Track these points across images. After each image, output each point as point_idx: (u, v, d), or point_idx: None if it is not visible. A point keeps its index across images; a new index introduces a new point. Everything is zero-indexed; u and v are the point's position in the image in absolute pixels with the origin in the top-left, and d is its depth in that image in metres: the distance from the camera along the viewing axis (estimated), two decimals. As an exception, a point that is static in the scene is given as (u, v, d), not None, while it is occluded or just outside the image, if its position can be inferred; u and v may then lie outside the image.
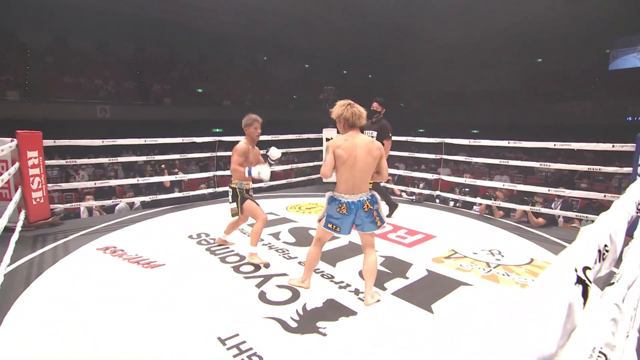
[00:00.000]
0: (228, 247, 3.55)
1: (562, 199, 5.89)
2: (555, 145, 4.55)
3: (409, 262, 3.30)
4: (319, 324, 2.30)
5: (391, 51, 20.52)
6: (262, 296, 2.62)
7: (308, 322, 2.30)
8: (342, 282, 2.87)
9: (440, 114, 19.97)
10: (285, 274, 2.98)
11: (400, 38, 18.78)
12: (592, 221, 5.22)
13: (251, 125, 3.22)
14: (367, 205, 2.50)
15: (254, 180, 3.32)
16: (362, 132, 4.31)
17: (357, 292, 2.72)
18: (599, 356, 0.78)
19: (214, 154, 5.63)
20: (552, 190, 4.77)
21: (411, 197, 5.84)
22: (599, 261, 0.56)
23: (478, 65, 20.36)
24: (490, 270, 3.18)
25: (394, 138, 5.61)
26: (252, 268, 3.08)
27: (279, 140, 6.32)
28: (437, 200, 5.74)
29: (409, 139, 5.57)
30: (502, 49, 18.71)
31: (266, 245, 3.66)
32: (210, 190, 5.70)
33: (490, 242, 3.90)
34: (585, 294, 0.45)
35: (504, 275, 3.09)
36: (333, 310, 2.46)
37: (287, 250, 3.53)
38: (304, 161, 8.76)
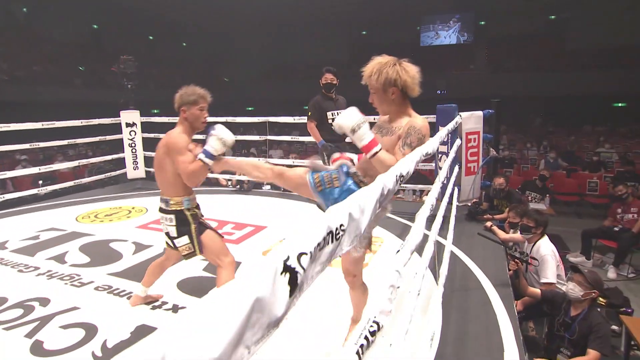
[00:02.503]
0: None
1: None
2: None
3: (237, 260, 3.35)
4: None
5: (211, 16, 19.98)
6: (37, 348, 2.21)
7: (109, 364, 2.09)
8: (155, 300, 2.71)
9: (270, 89, 20.82)
10: (75, 307, 2.61)
11: (219, 2, 18.47)
12: (417, 191, 6.33)
13: (195, 105, 2.31)
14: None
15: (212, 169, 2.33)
16: (326, 114, 4.08)
17: (175, 308, 2.62)
18: (371, 326, 0.96)
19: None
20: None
21: (237, 187, 5.94)
22: (331, 242, 0.67)
23: (307, 38, 21.98)
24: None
25: (215, 119, 5.55)
26: (18, 312, 2.56)
27: (60, 128, 5.41)
28: (268, 187, 6.02)
29: (229, 119, 5.60)
30: (331, 20, 20.71)
31: (44, 274, 3.11)
32: None
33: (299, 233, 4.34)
34: (293, 282, 0.52)
35: (337, 257, 3.50)
36: (145, 338, 2.30)
37: (78, 275, 3.09)
38: (100, 154, 7.77)
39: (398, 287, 1.10)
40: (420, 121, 1.82)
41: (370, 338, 0.81)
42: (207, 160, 2.20)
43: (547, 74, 16.97)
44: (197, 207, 2.46)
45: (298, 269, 0.54)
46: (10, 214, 4.80)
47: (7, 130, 4.79)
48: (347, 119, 1.74)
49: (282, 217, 4.61)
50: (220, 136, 2.19)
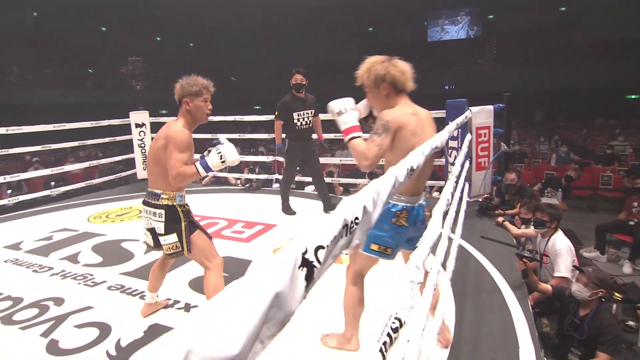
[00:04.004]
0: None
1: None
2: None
3: (248, 259, 3.37)
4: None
5: (216, 15, 20.04)
6: (53, 347, 2.23)
7: (123, 362, 2.11)
8: (168, 299, 2.72)
9: (277, 89, 20.81)
10: (89, 307, 2.63)
11: (225, 3, 18.51)
12: (427, 187, 6.32)
13: (198, 96, 2.17)
14: (426, 212, 2.02)
15: (203, 181, 2.27)
16: (293, 115, 4.13)
17: (187, 307, 2.63)
18: (393, 322, 0.95)
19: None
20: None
21: (246, 185, 5.95)
22: (345, 235, 0.66)
23: (314, 36, 21.94)
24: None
25: (223, 118, 5.58)
26: (34, 312, 2.59)
27: (73, 129, 5.47)
28: (277, 185, 6.02)
29: (238, 117, 5.61)
30: (336, 18, 20.64)
31: (58, 274, 3.15)
32: None
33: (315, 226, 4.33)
34: (309, 276, 0.51)
35: (346, 254, 3.49)
36: (158, 337, 2.32)
37: (91, 275, 3.12)
38: (111, 155, 7.84)
39: (418, 283, 1.09)
40: (392, 112, 1.84)
41: (393, 335, 0.80)
42: (202, 171, 2.09)
43: (558, 68, 16.73)
44: (187, 204, 2.31)
45: (315, 262, 0.53)
46: (24, 215, 4.87)
47: (20, 133, 4.85)
48: (337, 102, 1.82)
49: (292, 215, 4.60)
50: (223, 153, 2.10)
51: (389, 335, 0.88)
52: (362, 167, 1.79)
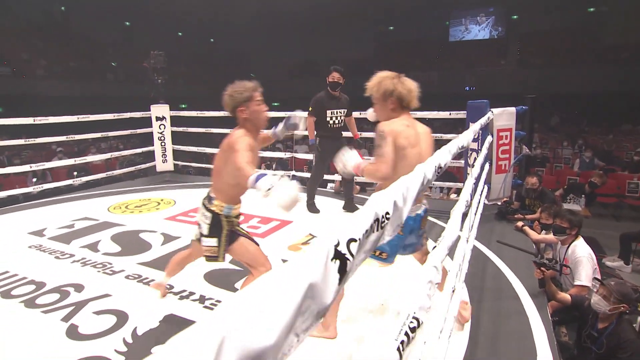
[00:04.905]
0: (13, 277, 2.98)
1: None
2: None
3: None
4: (154, 349, 2.16)
5: (237, 11, 20.20)
6: (73, 332, 2.29)
7: (139, 351, 2.14)
8: (183, 290, 2.76)
9: (296, 86, 20.85)
10: (107, 295, 2.69)
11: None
12: (444, 189, 6.28)
13: (251, 101, 2.11)
14: (425, 222, 2.16)
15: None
16: (326, 113, 4.22)
17: (202, 299, 2.66)
18: (411, 322, 0.94)
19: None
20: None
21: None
22: (376, 230, 0.65)
23: (334, 34, 21.88)
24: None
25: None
26: (55, 297, 2.67)
27: (95, 121, 5.61)
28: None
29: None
30: (355, 16, 20.55)
31: (78, 261, 3.22)
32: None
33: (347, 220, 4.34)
34: (342, 269, 0.50)
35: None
36: (173, 327, 2.35)
37: (110, 264, 3.18)
38: (131, 147, 7.99)
39: (436, 284, 1.08)
40: (386, 123, 2.01)
41: (410, 334, 0.79)
42: (251, 182, 1.84)
43: (584, 70, 16.27)
44: (237, 217, 2.33)
45: (348, 255, 0.53)
46: (48, 203, 5.00)
47: (45, 123, 4.99)
48: (341, 164, 2.04)
49: (308, 212, 4.61)
50: (275, 189, 1.72)
51: (406, 334, 0.87)
52: (381, 181, 1.97)
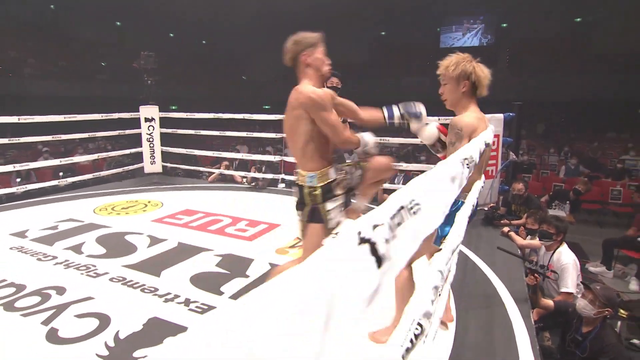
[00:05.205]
0: (-3, 276, 2.92)
1: (404, 173, 6.97)
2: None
3: (250, 257, 3.36)
4: (136, 353, 2.13)
5: (229, 14, 20.15)
6: (52, 335, 2.24)
7: (121, 355, 2.10)
8: (168, 293, 2.72)
9: (287, 88, 20.78)
10: (90, 297, 2.64)
11: (239, 2, 18.60)
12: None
13: (316, 47, 1.99)
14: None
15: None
16: None
17: (187, 302, 2.63)
18: (416, 328, 0.93)
19: None
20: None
21: (252, 184, 5.95)
22: (409, 216, 0.66)
23: (326, 38, 21.90)
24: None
25: (232, 116, 5.60)
26: (35, 300, 2.61)
27: (83, 121, 5.53)
28: (283, 185, 6.01)
29: (247, 116, 5.62)
30: (348, 20, 20.63)
31: (61, 263, 3.17)
32: None
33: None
34: (374, 252, 0.52)
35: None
36: (156, 331, 2.32)
37: (94, 266, 3.13)
38: (119, 148, 7.90)
39: (441, 289, 1.08)
40: (463, 118, 1.91)
41: (414, 341, 0.79)
42: (362, 142, 2.00)
43: (571, 78, 16.53)
44: (332, 183, 1.99)
45: (376, 238, 0.53)
46: (31, 204, 4.91)
47: (31, 122, 4.91)
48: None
49: (296, 215, 4.59)
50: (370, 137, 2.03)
51: (411, 341, 0.86)
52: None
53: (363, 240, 0.52)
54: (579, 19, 18.74)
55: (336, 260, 0.46)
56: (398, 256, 0.60)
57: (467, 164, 1.12)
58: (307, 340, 0.38)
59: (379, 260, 0.52)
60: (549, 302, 2.81)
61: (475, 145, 1.33)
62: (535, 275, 2.78)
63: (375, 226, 0.55)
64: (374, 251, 0.52)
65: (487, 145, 1.53)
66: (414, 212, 0.69)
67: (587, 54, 17.69)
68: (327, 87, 4.18)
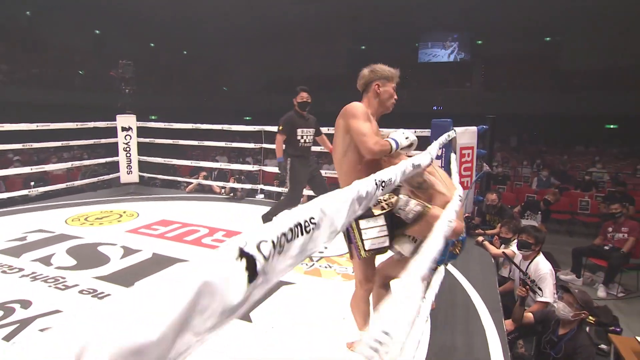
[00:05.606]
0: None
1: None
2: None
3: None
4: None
5: (211, 25, 20.13)
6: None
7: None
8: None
9: (268, 101, 20.87)
10: (57, 311, 2.54)
11: (221, 13, 18.60)
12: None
13: (390, 82, 2.03)
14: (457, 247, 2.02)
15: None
16: (297, 132, 4.12)
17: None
18: (380, 337, 0.91)
19: None
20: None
21: (230, 194, 5.89)
22: (300, 235, 0.65)
23: (306, 51, 22.14)
24: (313, 264, 3.50)
25: (211, 127, 5.55)
26: (-1, 312, 2.49)
27: (57, 130, 5.37)
28: (261, 195, 5.98)
29: (226, 127, 5.59)
30: (330, 34, 20.91)
31: (27, 276, 3.04)
32: None
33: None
34: (251, 267, 0.52)
35: (325, 267, 3.45)
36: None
37: (63, 278, 3.01)
38: (95, 157, 7.70)
39: (424, 298, 1.07)
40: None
41: (380, 349, 0.78)
42: (394, 147, 1.85)
43: (542, 94, 17.14)
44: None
45: (257, 255, 0.53)
46: (-1, 214, 4.72)
47: (2, 131, 4.74)
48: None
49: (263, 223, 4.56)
50: (405, 132, 1.93)
51: (376, 350, 0.85)
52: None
53: (242, 254, 0.51)
54: (548, 38, 19.52)
55: (207, 268, 0.45)
56: (277, 271, 0.60)
57: (383, 186, 1.11)
58: (161, 340, 0.37)
59: (252, 276, 0.52)
60: (529, 316, 2.85)
61: (399, 167, 1.31)
62: (527, 288, 2.81)
63: (261, 242, 0.55)
64: (249, 266, 0.52)
65: (414, 166, 1.48)
66: (308, 231, 0.69)
67: (556, 71, 18.40)
68: (298, 102, 4.21)
